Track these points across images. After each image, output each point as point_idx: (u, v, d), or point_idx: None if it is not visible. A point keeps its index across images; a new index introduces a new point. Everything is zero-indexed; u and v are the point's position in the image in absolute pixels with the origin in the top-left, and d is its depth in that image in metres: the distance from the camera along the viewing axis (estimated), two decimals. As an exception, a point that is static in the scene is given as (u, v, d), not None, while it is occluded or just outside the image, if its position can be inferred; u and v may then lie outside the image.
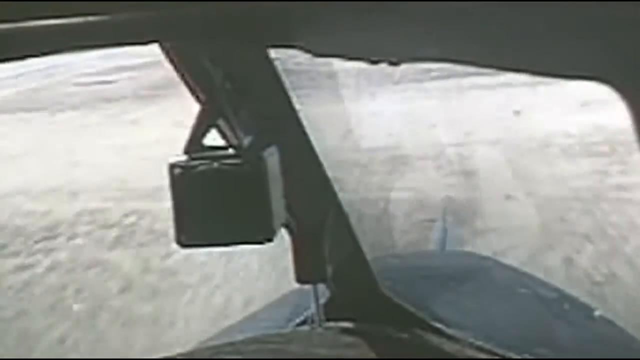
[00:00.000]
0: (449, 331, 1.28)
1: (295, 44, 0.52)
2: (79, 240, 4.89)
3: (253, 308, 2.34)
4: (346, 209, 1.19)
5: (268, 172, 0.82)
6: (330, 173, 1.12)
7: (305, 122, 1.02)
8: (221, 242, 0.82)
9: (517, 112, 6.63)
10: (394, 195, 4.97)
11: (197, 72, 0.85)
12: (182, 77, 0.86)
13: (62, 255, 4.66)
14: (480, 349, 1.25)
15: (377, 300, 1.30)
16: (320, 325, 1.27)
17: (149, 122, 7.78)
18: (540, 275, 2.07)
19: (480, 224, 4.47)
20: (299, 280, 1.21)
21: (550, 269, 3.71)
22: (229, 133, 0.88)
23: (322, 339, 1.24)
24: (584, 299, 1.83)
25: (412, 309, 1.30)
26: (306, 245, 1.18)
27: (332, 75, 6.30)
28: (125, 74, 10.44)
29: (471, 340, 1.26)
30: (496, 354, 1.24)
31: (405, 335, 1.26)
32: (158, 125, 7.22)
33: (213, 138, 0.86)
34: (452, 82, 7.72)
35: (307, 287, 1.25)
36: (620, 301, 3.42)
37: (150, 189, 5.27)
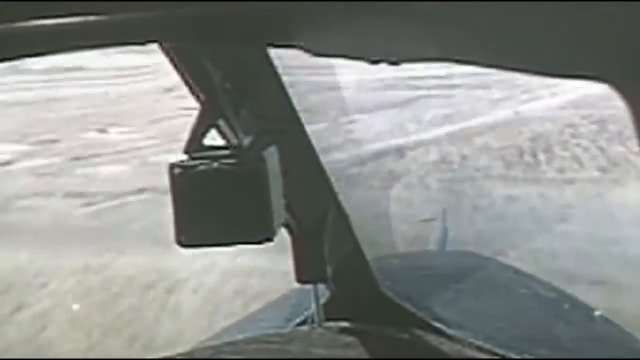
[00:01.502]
0: (449, 331, 1.28)
1: (295, 43, 0.52)
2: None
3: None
4: (346, 208, 1.19)
5: (268, 172, 0.81)
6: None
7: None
8: (221, 242, 0.82)
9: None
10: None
11: (197, 72, 0.85)
12: (182, 77, 0.86)
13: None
14: (480, 349, 1.25)
15: (377, 300, 1.29)
16: (320, 325, 1.27)
17: None
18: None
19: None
20: (299, 280, 1.21)
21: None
22: (229, 133, 0.88)
23: (321, 339, 1.24)
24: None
25: (412, 309, 1.30)
26: (306, 245, 1.18)
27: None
28: None
29: (471, 340, 1.26)
30: (496, 354, 1.24)
31: (405, 335, 1.26)
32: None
33: (213, 138, 0.86)
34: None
35: (307, 287, 1.25)
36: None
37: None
